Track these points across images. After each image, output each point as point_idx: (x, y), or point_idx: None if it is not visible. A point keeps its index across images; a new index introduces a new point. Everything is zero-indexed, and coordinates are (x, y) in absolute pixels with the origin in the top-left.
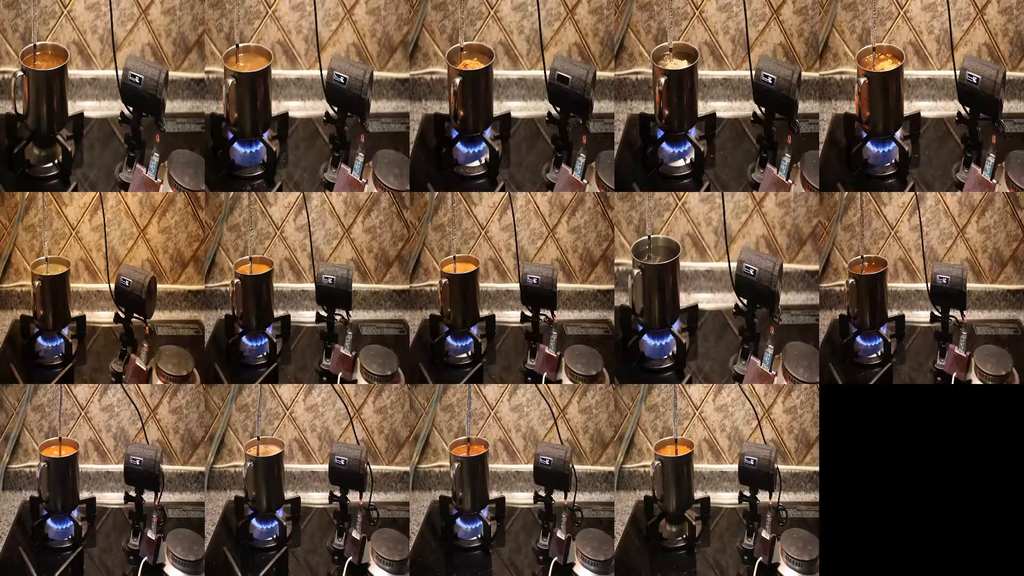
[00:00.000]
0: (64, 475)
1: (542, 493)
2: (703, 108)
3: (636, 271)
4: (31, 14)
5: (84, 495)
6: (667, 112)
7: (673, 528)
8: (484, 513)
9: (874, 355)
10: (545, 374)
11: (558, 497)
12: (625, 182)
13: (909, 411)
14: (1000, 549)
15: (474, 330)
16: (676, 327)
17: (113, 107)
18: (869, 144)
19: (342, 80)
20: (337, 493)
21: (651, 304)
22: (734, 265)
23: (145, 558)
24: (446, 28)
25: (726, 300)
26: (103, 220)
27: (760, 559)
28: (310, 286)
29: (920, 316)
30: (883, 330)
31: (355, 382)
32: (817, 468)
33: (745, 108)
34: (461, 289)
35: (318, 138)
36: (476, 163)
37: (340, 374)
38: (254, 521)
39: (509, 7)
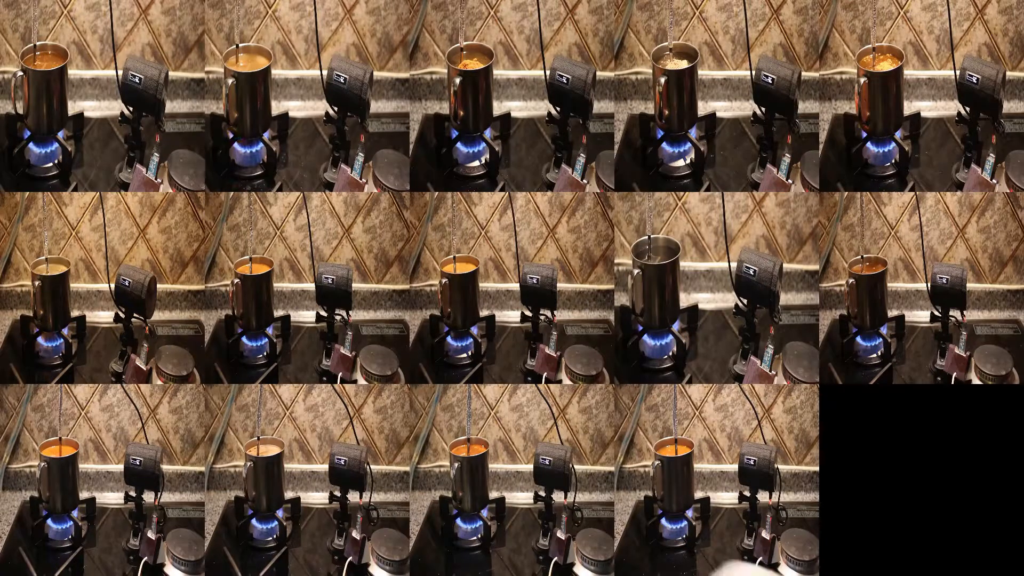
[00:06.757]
0: (64, 475)
1: (542, 493)
2: (703, 108)
3: (636, 271)
4: (31, 14)
5: (84, 495)
6: (667, 112)
7: (673, 528)
8: (484, 513)
9: (874, 355)
10: (545, 374)
11: (558, 497)
12: (625, 182)
13: (909, 411)
14: (1000, 549)
15: (474, 330)
16: (676, 327)
17: (113, 107)
18: (869, 144)
19: (342, 80)
20: (337, 493)
21: (651, 304)
22: (734, 265)
23: (145, 558)
24: (446, 28)
25: (726, 300)
26: (103, 220)
27: (760, 559)
28: (310, 286)
29: (920, 316)
30: (883, 330)
31: (355, 382)
32: (817, 468)
33: (745, 108)
34: (461, 289)
35: (318, 138)
36: (476, 163)
37: (340, 374)
38: (254, 521)
39: (509, 7)
